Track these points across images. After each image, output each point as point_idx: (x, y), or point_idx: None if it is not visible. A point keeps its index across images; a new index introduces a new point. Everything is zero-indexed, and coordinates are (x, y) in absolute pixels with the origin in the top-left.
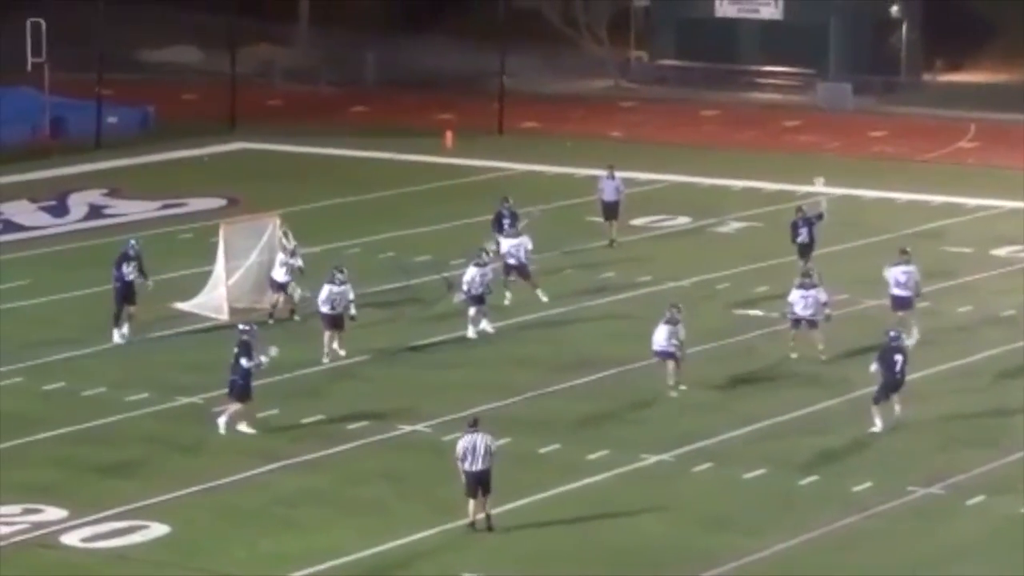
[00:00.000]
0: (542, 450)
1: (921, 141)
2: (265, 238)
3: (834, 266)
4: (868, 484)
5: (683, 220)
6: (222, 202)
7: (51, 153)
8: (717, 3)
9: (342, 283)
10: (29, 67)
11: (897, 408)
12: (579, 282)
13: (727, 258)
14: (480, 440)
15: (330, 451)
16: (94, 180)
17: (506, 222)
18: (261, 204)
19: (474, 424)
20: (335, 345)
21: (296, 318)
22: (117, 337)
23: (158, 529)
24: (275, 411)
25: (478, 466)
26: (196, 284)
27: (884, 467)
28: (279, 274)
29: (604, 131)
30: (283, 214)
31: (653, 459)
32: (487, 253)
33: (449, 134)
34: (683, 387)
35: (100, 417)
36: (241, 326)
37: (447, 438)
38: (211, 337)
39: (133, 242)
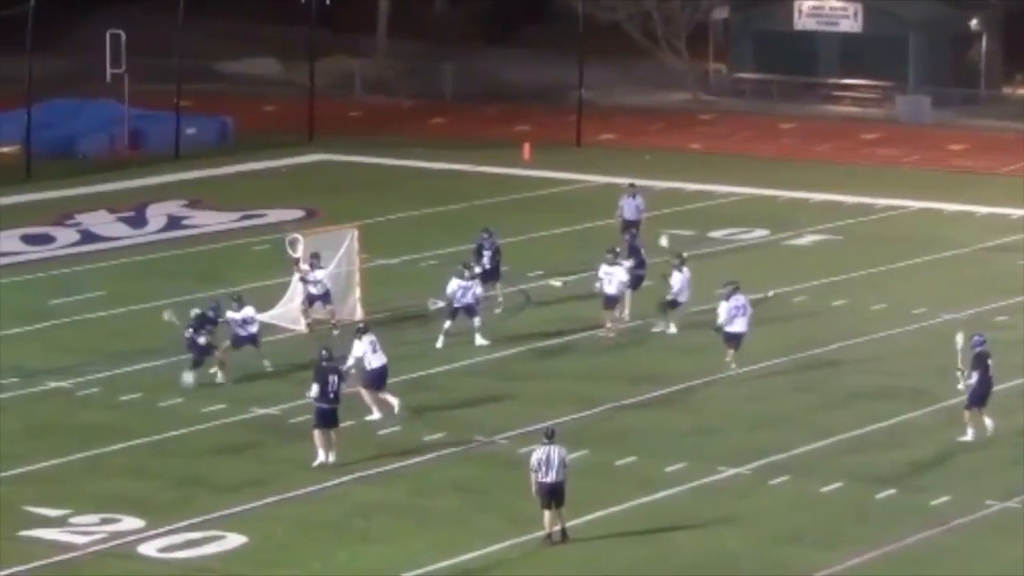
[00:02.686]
0: (618, 462)
1: (1001, 154)
2: (343, 249)
3: (912, 279)
4: (946, 498)
5: (760, 232)
6: (300, 213)
7: (130, 164)
8: (796, 16)
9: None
10: (108, 78)
11: (988, 421)
12: (654, 295)
13: (804, 271)
14: (554, 452)
15: (406, 463)
16: (173, 191)
17: (486, 253)
18: (339, 215)
19: (551, 435)
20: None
21: (335, 332)
22: (190, 378)
23: (235, 540)
24: (351, 422)
25: (552, 478)
26: (274, 295)
27: (962, 481)
28: (314, 289)
29: (682, 144)
30: (361, 226)
31: (730, 472)
32: (468, 269)
33: (527, 146)
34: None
35: (176, 428)
36: (323, 352)
37: (523, 450)
38: (288, 348)
39: (213, 304)
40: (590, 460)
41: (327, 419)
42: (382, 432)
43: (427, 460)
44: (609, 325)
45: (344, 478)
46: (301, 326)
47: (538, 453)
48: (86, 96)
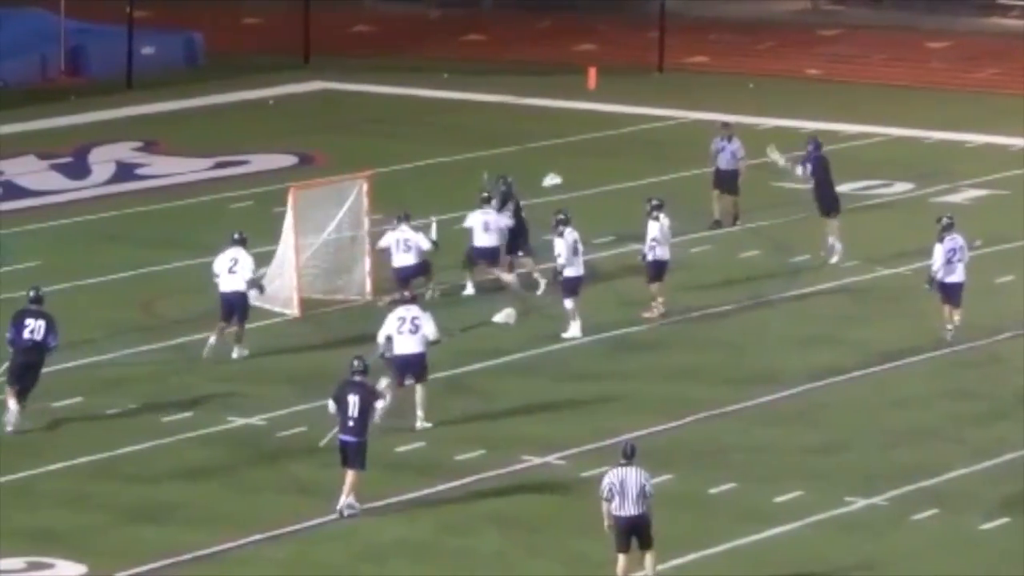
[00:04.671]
0: (713, 490)
1: None
2: (347, 206)
3: None
4: None
5: (902, 187)
6: (292, 160)
7: (67, 94)
8: None
9: None
10: None
11: None
12: (764, 267)
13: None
14: (632, 476)
15: (432, 489)
16: (124, 130)
17: (492, 201)
18: (343, 162)
19: (630, 454)
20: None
21: (381, 302)
22: (10, 425)
23: None
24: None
25: (629, 510)
26: (257, 268)
27: None
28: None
29: (797, 68)
30: (372, 176)
31: (861, 503)
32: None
33: (592, 72)
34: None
35: (128, 443)
36: (355, 361)
37: (587, 473)
38: (276, 338)
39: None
40: (677, 487)
41: (344, 455)
42: (401, 449)
43: (460, 486)
44: (660, 300)
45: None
46: (293, 308)
47: (611, 477)
48: (10, 5)
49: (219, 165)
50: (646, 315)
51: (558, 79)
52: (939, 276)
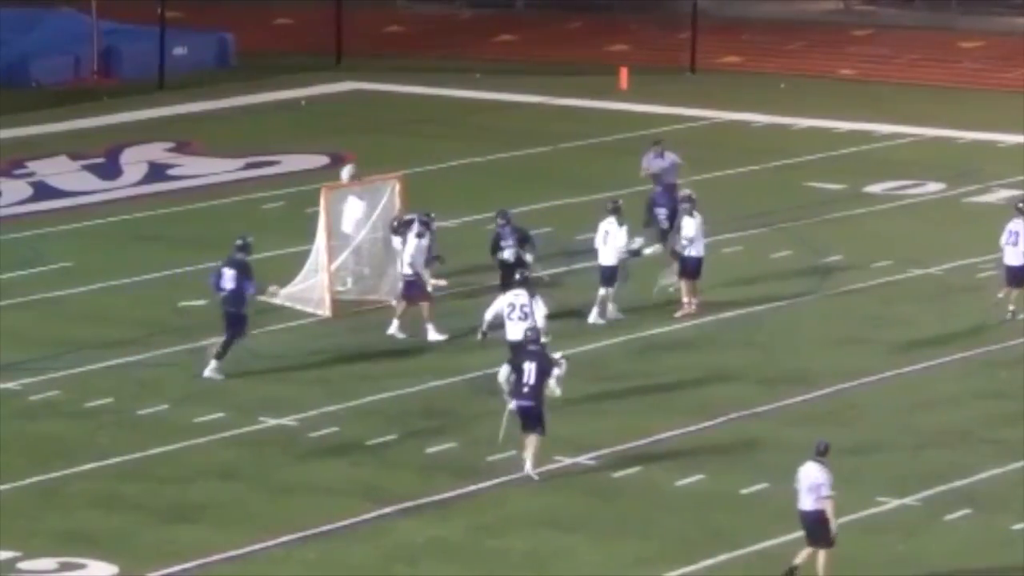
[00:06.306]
0: (745, 491)
1: None
2: (380, 207)
3: None
4: None
5: (934, 187)
6: (324, 160)
7: (100, 95)
8: None
9: None
10: None
11: None
12: (796, 267)
13: (992, 237)
14: (810, 472)
15: (464, 490)
16: (156, 131)
17: (506, 245)
18: (376, 162)
19: (821, 451)
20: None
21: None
22: (210, 371)
23: None
24: (392, 436)
25: (801, 504)
26: (289, 269)
27: None
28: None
29: (830, 68)
30: (404, 176)
31: (893, 503)
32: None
33: (624, 72)
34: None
35: (160, 443)
36: (528, 332)
37: (619, 473)
38: (308, 339)
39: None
40: (709, 487)
41: (523, 420)
42: (432, 449)
43: (492, 486)
44: (695, 300)
45: (384, 509)
46: (325, 309)
47: (799, 470)
48: (43, 5)
49: (251, 165)
50: (677, 315)
51: (590, 79)
52: (1003, 257)
